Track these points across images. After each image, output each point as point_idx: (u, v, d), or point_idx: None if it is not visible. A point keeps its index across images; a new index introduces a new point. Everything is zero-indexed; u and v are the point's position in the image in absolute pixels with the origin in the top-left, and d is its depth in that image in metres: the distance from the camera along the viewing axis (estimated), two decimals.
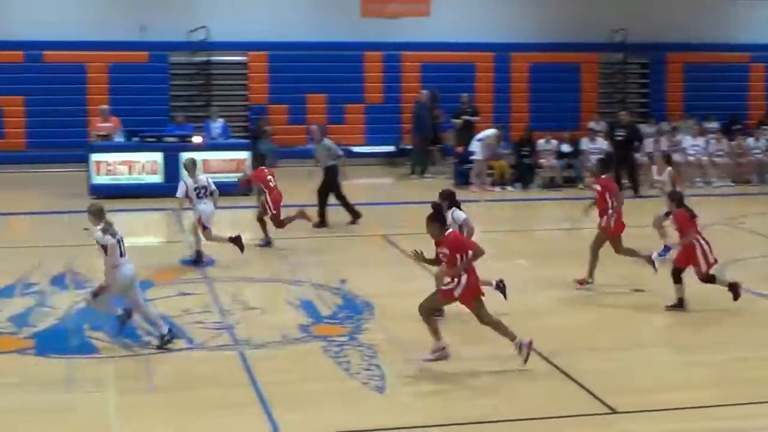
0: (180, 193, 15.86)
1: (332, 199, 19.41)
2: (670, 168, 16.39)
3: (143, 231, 18.49)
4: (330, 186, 19.41)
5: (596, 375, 10.62)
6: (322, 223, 19.03)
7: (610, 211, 14.13)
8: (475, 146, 24.57)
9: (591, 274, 14.27)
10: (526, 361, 10.66)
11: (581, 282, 14.24)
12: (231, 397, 10.06)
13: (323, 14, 29.52)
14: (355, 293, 14.03)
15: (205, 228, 15.87)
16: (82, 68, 28.70)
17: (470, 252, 10.54)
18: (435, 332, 10.74)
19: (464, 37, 30.06)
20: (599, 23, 30.77)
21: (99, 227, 11.38)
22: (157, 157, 22.89)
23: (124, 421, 9.49)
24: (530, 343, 10.69)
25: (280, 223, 17.33)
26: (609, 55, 31.92)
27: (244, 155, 23.39)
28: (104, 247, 11.33)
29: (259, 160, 18.04)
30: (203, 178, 16.20)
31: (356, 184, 25.90)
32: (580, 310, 13.45)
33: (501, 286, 12.93)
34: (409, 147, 28.08)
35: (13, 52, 28.21)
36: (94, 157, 22.85)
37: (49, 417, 9.51)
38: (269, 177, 17.53)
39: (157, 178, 22.83)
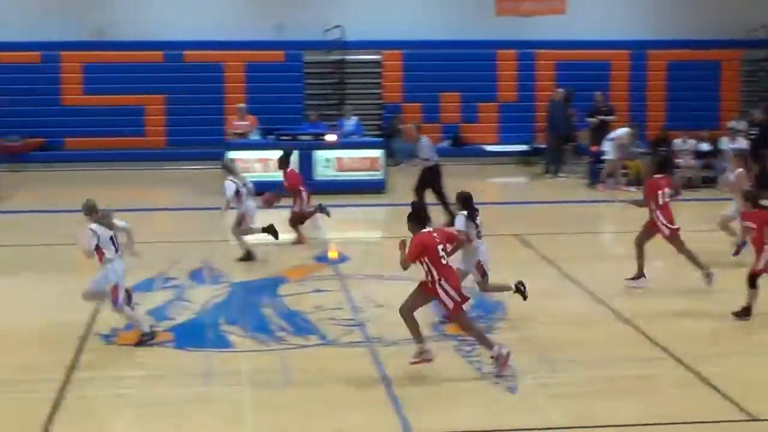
0: (230, 193, 15.98)
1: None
2: (741, 169, 15.89)
3: (276, 228, 18.65)
4: (426, 183, 19.16)
5: (734, 381, 10.34)
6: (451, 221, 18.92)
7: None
8: (606, 146, 24.20)
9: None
10: (504, 367, 10.48)
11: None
12: (362, 394, 10.12)
13: (457, 13, 29.49)
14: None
15: (239, 225, 16.24)
16: (220, 68, 29.27)
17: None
18: (416, 333, 10.60)
19: (600, 35, 29.64)
20: (740, 19, 29.99)
21: (92, 224, 11.49)
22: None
23: (258, 415, 9.63)
24: (508, 353, 10.50)
25: (300, 222, 17.51)
26: (751, 52, 31.07)
27: (377, 153, 23.49)
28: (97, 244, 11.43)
29: (287, 160, 18.04)
30: (245, 177, 16.56)
31: (489, 184, 25.88)
32: (716, 314, 13.10)
33: (521, 289, 12.70)
34: (542, 146, 27.81)
35: (154, 52, 28.96)
36: (231, 154, 23.20)
37: (187, 409, 9.71)
38: (301, 178, 17.85)
39: None
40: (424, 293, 10.62)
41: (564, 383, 10.40)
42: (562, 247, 17.03)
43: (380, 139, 25.37)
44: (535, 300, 12.65)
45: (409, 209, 10.81)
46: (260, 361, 11.14)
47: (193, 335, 12.09)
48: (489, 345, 10.59)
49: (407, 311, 10.60)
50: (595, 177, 24.56)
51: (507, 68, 30.21)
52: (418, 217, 10.69)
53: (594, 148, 25.40)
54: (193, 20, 28.80)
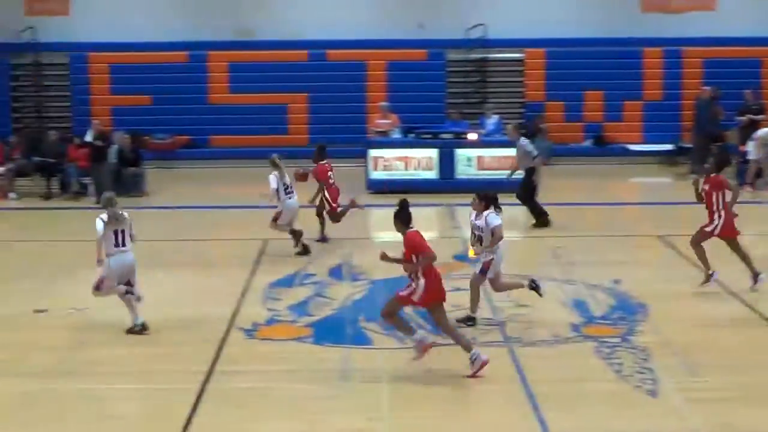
0: (273, 185, 16.43)
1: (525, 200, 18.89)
2: None
3: (416, 226, 18.69)
4: (527, 187, 18.90)
5: None
6: (543, 223, 18.73)
7: None
8: (750, 145, 23.53)
9: None
10: (474, 374, 10.36)
11: None
12: (500, 393, 10.07)
13: (602, 10, 29.02)
14: (629, 294, 13.72)
15: (274, 219, 16.52)
16: (363, 66, 29.48)
17: (422, 255, 10.40)
18: (405, 329, 10.74)
19: (750, 31, 28.79)
20: None
21: (103, 215, 11.94)
22: (433, 153, 23.14)
23: (395, 412, 9.67)
24: (486, 361, 10.42)
25: (337, 218, 17.54)
26: None
27: None
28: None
29: (321, 154, 17.91)
30: (287, 176, 16.81)
31: (631, 183, 25.45)
32: None
33: (534, 286, 12.68)
34: (688, 146, 27.18)
35: (298, 51, 29.34)
36: (372, 152, 23.38)
37: (324, 404, 9.81)
38: (330, 173, 17.70)
39: (432, 174, 23.07)
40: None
41: (706, 388, 10.15)
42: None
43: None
44: (677, 302, 12.38)
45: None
46: (398, 359, 11.16)
47: (332, 331, 12.21)
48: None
49: (387, 316, 10.75)
50: (742, 177, 23.87)
51: (653, 66, 29.59)
52: (401, 214, 10.67)
53: (742, 148, 24.71)
54: (337, 20, 29.07)
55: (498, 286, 12.79)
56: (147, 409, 9.78)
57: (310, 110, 29.36)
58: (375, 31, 28.96)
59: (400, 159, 23.07)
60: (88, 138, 24.18)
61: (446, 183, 21.76)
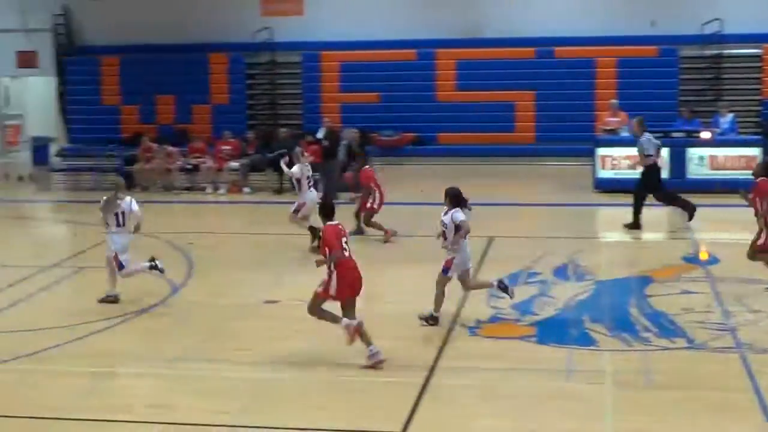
0: (296, 171, 16.95)
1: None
2: None
3: (645, 226, 18.29)
4: (648, 186, 18.19)
5: None
6: (635, 224, 18.02)
7: None
8: None
9: None
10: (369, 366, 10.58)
11: None
12: (730, 401, 9.69)
13: None
14: None
15: (295, 211, 16.75)
16: (591, 63, 29.08)
17: (330, 252, 10.61)
18: (331, 319, 10.86)
19: None
20: None
21: (106, 198, 13.42)
22: (664, 152, 22.55)
23: (618, 416, 9.47)
24: (381, 360, 10.62)
25: (371, 223, 17.61)
26: None
27: (755, 152, 22.42)
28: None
29: (364, 159, 17.90)
30: (309, 167, 17.22)
31: None
32: None
33: (502, 286, 12.38)
34: None
35: (525, 48, 29.23)
36: (600, 151, 23.03)
37: (546, 404, 9.71)
38: (377, 177, 17.84)
39: (663, 174, 22.48)
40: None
41: None
42: None
43: (758, 137, 24.22)
44: None
45: None
46: (623, 361, 10.95)
47: (556, 331, 12.07)
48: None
49: (311, 311, 10.94)
50: None
51: None
52: (323, 209, 11.18)
53: None
54: (567, 17, 28.83)
55: (468, 286, 12.63)
56: (369, 402, 9.91)
57: (537, 108, 29.20)
58: (604, 27, 28.57)
59: (628, 158, 22.59)
60: (320, 135, 24.79)
61: (677, 183, 21.14)
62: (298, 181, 17.08)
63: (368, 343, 10.77)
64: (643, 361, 10.93)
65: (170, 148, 25.46)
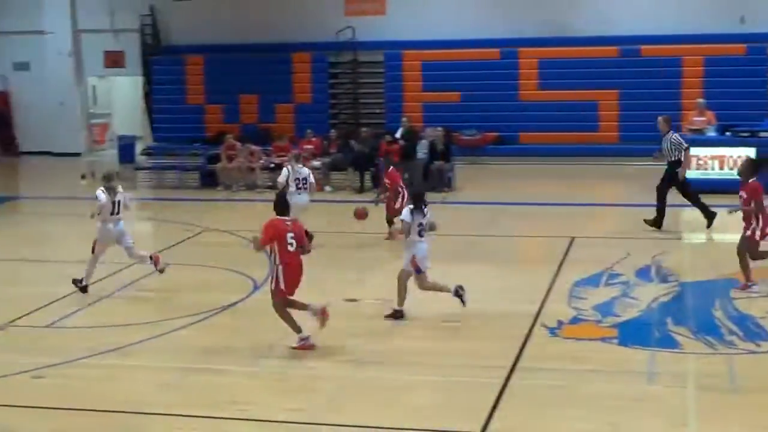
0: (282, 178, 16.90)
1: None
2: None
3: (731, 228, 17.98)
4: (672, 183, 18.00)
5: None
6: (656, 222, 17.80)
7: None
8: None
9: None
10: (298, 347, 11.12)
11: None
12: None
13: None
14: None
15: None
16: (678, 62, 28.68)
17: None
18: (299, 307, 11.33)
19: None
20: None
21: (101, 188, 13.99)
22: (751, 152, 22.14)
23: (701, 418, 9.32)
24: (311, 346, 11.21)
25: (392, 222, 17.48)
26: None
27: None
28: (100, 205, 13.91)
29: (391, 163, 17.86)
30: (305, 170, 17.08)
31: None
32: None
33: (459, 293, 12.48)
34: None
35: (609, 47, 28.94)
36: None
37: (628, 407, 9.58)
38: (401, 179, 17.90)
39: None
40: None
41: None
42: None
43: None
44: None
45: None
46: (707, 365, 10.76)
47: (638, 333, 11.91)
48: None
49: (277, 309, 11.33)
50: None
51: None
52: (279, 205, 11.50)
53: None
54: (653, 15, 28.48)
55: (424, 285, 12.57)
56: (448, 401, 9.87)
57: (620, 107, 28.88)
58: (691, 25, 28.16)
59: (715, 158, 22.22)
60: (399, 134, 24.81)
61: (765, 184, 20.68)
62: (285, 183, 16.96)
63: (298, 331, 11.34)
64: (727, 364, 10.74)
65: (253, 147, 25.66)
